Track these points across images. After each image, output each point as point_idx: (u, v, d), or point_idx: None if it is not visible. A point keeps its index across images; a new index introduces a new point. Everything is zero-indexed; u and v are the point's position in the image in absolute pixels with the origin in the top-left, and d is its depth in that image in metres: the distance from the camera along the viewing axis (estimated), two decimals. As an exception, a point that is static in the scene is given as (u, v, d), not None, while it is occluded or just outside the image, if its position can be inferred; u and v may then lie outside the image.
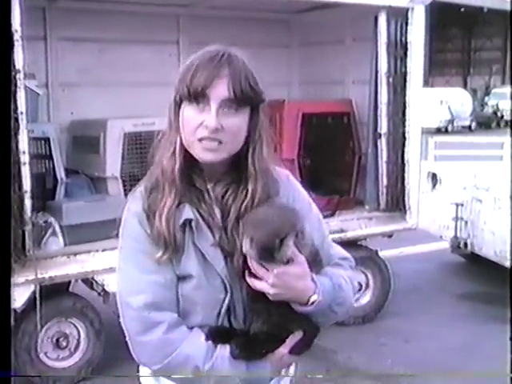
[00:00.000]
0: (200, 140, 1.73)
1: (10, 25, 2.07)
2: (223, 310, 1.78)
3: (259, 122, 1.80)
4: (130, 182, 5.48)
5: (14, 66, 4.14)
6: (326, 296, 1.78)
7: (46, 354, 4.90)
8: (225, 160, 1.79)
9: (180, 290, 1.77)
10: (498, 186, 6.93)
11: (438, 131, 26.35)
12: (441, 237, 7.78)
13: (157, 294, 1.74)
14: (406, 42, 5.94)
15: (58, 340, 4.94)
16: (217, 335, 1.77)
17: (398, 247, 7.36)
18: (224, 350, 1.75)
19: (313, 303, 1.75)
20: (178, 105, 1.75)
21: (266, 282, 1.71)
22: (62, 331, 4.96)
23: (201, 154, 1.75)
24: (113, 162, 5.51)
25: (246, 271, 1.74)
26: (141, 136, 5.56)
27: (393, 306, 6.49)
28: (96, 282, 4.92)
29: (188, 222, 1.75)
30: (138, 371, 1.95)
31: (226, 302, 1.77)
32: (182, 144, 1.76)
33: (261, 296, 1.74)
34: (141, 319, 1.74)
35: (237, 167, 1.81)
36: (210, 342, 1.76)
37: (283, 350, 1.78)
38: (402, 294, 6.76)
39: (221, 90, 1.70)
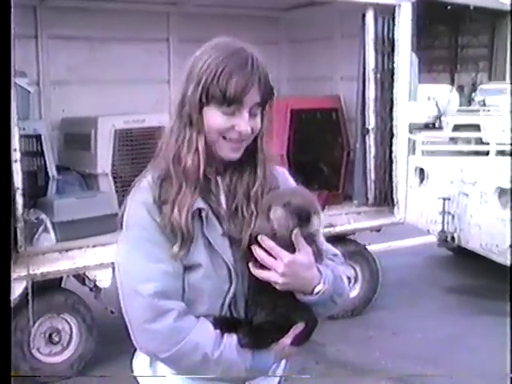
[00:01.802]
0: (227, 140, 1.78)
1: (9, 25, 2.08)
2: (227, 301, 1.80)
3: (267, 112, 1.84)
4: (120, 178, 5.51)
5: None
6: (330, 286, 1.81)
7: (38, 349, 4.93)
8: None
9: (187, 280, 1.78)
10: (484, 181, 7.01)
11: (426, 127, 26.44)
12: (428, 231, 7.85)
13: (166, 283, 1.74)
14: (393, 39, 5.99)
15: (50, 335, 4.98)
16: (223, 325, 1.78)
17: (386, 241, 7.42)
18: (231, 339, 1.77)
19: (317, 293, 1.79)
20: (202, 105, 1.75)
21: (275, 271, 1.74)
22: (55, 327, 5.00)
23: (227, 153, 1.80)
24: (104, 159, 5.53)
25: (251, 263, 1.77)
26: (131, 133, 5.60)
27: (381, 299, 6.56)
28: (88, 277, 4.96)
29: (198, 211, 1.77)
30: (131, 364, 1.96)
31: (231, 292, 1.80)
32: (204, 143, 1.78)
33: (265, 287, 1.77)
34: (151, 307, 1.73)
35: (246, 159, 1.85)
36: (217, 330, 1.77)
37: (286, 340, 1.82)
38: (390, 287, 6.84)
39: (253, 96, 1.74)
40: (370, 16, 5.89)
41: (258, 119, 1.79)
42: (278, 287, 1.76)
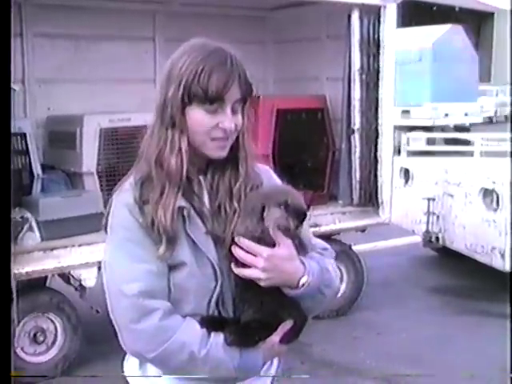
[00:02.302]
0: (213, 139, 1.78)
1: (9, 25, 2.09)
2: (213, 299, 1.80)
3: (248, 108, 1.85)
4: (106, 177, 5.49)
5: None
6: (315, 277, 1.80)
7: (22, 348, 4.91)
8: None
9: (172, 279, 1.78)
10: (468, 182, 7.05)
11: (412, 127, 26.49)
12: (413, 231, 7.87)
13: (151, 283, 1.75)
14: (379, 40, 6.01)
15: (35, 335, 4.96)
16: (210, 324, 1.78)
17: (371, 242, 7.44)
18: (218, 338, 1.76)
19: (303, 285, 1.78)
20: (184, 105, 1.76)
21: (256, 267, 1.75)
22: (39, 326, 4.97)
23: (213, 152, 1.81)
24: (89, 158, 5.50)
25: (233, 263, 1.78)
26: (117, 132, 5.58)
27: (366, 299, 6.58)
28: (73, 276, 4.95)
29: (180, 210, 1.77)
30: (122, 366, 1.95)
31: (217, 290, 1.79)
32: (187, 144, 1.78)
33: (251, 285, 1.77)
34: (136, 307, 1.73)
35: (227, 157, 1.85)
36: (204, 329, 1.77)
37: (275, 338, 1.81)
38: (375, 287, 6.86)
39: (234, 93, 1.75)
40: (355, 17, 5.91)
41: (240, 116, 1.81)
42: (261, 283, 1.76)
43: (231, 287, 1.82)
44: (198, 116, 1.76)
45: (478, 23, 44.02)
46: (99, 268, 4.91)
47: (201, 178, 1.87)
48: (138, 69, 6.52)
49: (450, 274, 7.81)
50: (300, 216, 1.77)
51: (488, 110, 32.89)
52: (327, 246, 2.02)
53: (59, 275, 5.17)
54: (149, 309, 1.73)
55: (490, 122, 30.95)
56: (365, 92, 6.10)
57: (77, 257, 4.87)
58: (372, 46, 6.04)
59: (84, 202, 5.23)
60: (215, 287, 1.79)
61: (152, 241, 1.76)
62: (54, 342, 5.03)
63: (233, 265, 1.78)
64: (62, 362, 5.02)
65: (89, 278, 4.87)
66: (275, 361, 1.96)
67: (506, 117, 33.45)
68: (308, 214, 1.79)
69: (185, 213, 1.78)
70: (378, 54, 6.04)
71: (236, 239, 1.77)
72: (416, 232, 7.80)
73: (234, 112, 1.78)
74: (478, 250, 6.83)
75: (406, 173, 8.01)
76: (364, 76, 6.07)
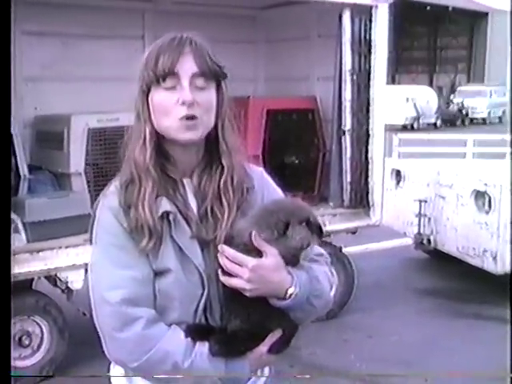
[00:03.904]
0: (179, 119, 1.73)
1: (9, 24, 2.07)
2: (200, 307, 1.76)
3: (225, 97, 1.81)
4: (94, 178, 5.44)
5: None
6: (303, 288, 1.76)
7: (7, 352, 4.84)
8: (200, 142, 1.80)
9: (157, 286, 1.74)
10: (460, 184, 7.01)
11: (404, 128, 26.56)
12: (404, 233, 7.84)
13: (134, 290, 1.71)
14: (370, 40, 5.97)
15: (20, 338, 4.88)
16: (195, 332, 1.74)
17: (361, 244, 7.39)
18: (203, 347, 1.73)
19: (290, 296, 1.74)
20: (145, 93, 1.76)
21: (242, 278, 1.70)
22: (25, 329, 4.90)
23: (181, 134, 1.74)
24: (77, 158, 5.45)
25: (219, 270, 1.73)
26: (105, 132, 5.51)
27: (356, 301, 6.54)
28: (59, 279, 4.89)
29: (166, 214, 1.74)
30: (108, 371, 1.91)
31: (204, 297, 1.75)
32: (151, 132, 1.76)
33: (238, 294, 1.72)
34: (118, 315, 1.70)
35: (210, 155, 1.83)
36: (189, 338, 1.73)
37: (262, 348, 1.77)
38: (366, 289, 6.81)
39: (188, 66, 1.72)
40: (346, 16, 5.86)
41: (209, 94, 1.76)
42: (247, 294, 1.71)
43: (219, 294, 1.77)
44: (157, 97, 1.73)
45: (472, 23, 44.11)
46: (86, 270, 4.86)
47: (185, 180, 1.82)
48: (126, 68, 6.43)
49: (441, 276, 7.77)
50: (321, 233, 1.75)
51: (481, 111, 33.06)
52: (322, 251, 1.96)
53: (45, 277, 5.09)
54: (132, 317, 1.70)
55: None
56: (356, 93, 6.06)
57: (63, 259, 4.81)
58: (363, 47, 6.00)
59: (71, 203, 5.17)
60: (202, 294, 1.75)
61: (137, 246, 1.72)
62: (39, 346, 4.96)
63: (220, 272, 1.74)
64: (49, 366, 4.95)
65: (76, 281, 4.81)
66: (266, 368, 1.91)
67: (499, 118, 33.61)
68: None
69: (170, 217, 1.74)
70: (370, 54, 6.00)
71: (220, 248, 1.73)
72: (407, 234, 7.76)
73: (196, 87, 1.73)
74: (470, 252, 6.79)
75: (398, 174, 7.97)
76: (355, 76, 6.03)
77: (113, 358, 1.79)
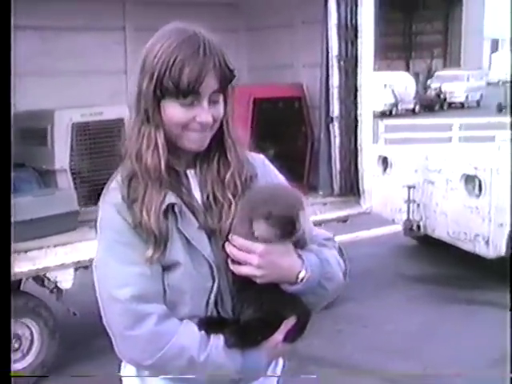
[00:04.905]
0: (190, 131, 1.70)
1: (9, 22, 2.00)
2: (211, 299, 1.71)
3: (231, 96, 1.78)
4: (79, 174, 5.34)
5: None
6: (315, 271, 1.71)
7: (-5, 357, 4.71)
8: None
9: (166, 280, 1.69)
10: (449, 168, 6.96)
11: (383, 115, 26.56)
12: (393, 220, 7.80)
13: (143, 286, 1.66)
14: (357, 25, 5.88)
15: (9, 342, 4.77)
16: (208, 326, 1.69)
17: (352, 232, 7.33)
18: (218, 340, 1.67)
19: (302, 280, 1.69)
20: (158, 99, 1.68)
21: (251, 264, 1.65)
22: (14, 332, 4.75)
23: (191, 144, 1.72)
24: (61, 154, 5.33)
25: (229, 259, 1.69)
26: (89, 126, 5.41)
27: (349, 291, 6.42)
28: (48, 279, 4.76)
29: (171, 207, 1.69)
30: (119, 371, 1.87)
31: (214, 289, 1.70)
32: (164, 139, 1.70)
33: (248, 283, 1.68)
34: (129, 312, 1.65)
35: (214, 147, 1.78)
36: (202, 332, 1.68)
37: (278, 337, 1.71)
38: (358, 278, 6.73)
39: (210, 84, 1.67)
40: (332, 1, 5.77)
41: (220, 106, 1.72)
42: (257, 281, 1.67)
43: (229, 285, 1.73)
44: (172, 110, 1.68)
45: (446, 8, 44.29)
46: (76, 269, 4.75)
47: (188, 171, 1.78)
48: (108, 60, 6.32)
49: (431, 262, 7.74)
50: (286, 228, 1.64)
51: (459, 96, 33.24)
52: (329, 235, 1.91)
53: (32, 278, 4.96)
54: (143, 314, 1.65)
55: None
56: (343, 79, 6.01)
57: (52, 258, 4.70)
58: (350, 32, 5.93)
59: (58, 200, 5.06)
60: (212, 286, 1.70)
61: (143, 241, 1.67)
62: (29, 349, 4.83)
63: (229, 262, 1.69)
64: (40, 369, 4.83)
65: (65, 280, 4.70)
66: (280, 361, 1.88)
67: (477, 102, 33.78)
68: (301, 214, 1.65)
69: (176, 209, 1.69)
70: (356, 39, 5.91)
71: (229, 237, 1.69)
72: (396, 221, 7.73)
73: (212, 103, 1.69)
74: (461, 237, 6.75)
75: (385, 161, 7.91)
76: (342, 62, 5.98)
77: (125, 358, 1.74)
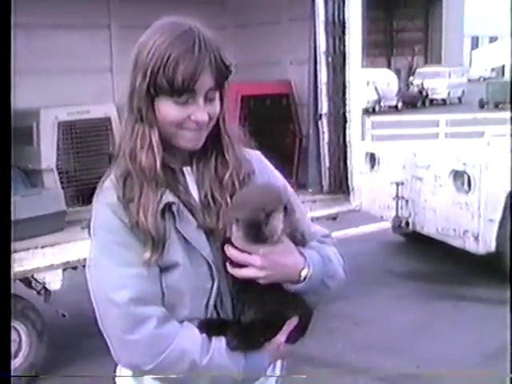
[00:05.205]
0: (185, 129, 1.66)
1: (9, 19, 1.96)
2: (211, 301, 1.66)
3: (227, 92, 1.73)
4: (66, 173, 5.27)
5: None
6: (317, 269, 1.68)
7: (-17, 360, 4.63)
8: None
9: (164, 282, 1.64)
10: (438, 164, 6.94)
11: (366, 112, 26.56)
12: (381, 217, 7.75)
13: (142, 288, 1.61)
14: (344, 21, 5.84)
15: (-4, 345, 4.67)
16: (209, 328, 1.65)
17: (341, 229, 7.30)
18: (220, 343, 1.63)
19: (305, 279, 1.65)
20: (151, 97, 1.63)
21: (253, 266, 1.61)
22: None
23: (187, 143, 1.68)
24: (47, 153, 5.25)
25: (228, 262, 1.64)
26: (75, 125, 5.34)
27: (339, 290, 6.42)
28: (36, 280, 4.68)
29: (168, 206, 1.64)
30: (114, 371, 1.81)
31: (214, 290, 1.66)
32: (158, 138, 1.65)
33: (249, 284, 1.63)
34: (128, 316, 1.59)
35: (210, 144, 1.73)
36: (204, 335, 1.64)
37: (280, 338, 1.68)
38: (348, 276, 6.69)
39: (206, 82, 1.62)
40: (320, -2, 5.73)
41: (216, 103, 1.68)
42: (261, 281, 1.62)
43: (229, 286, 1.68)
44: (166, 109, 1.63)
45: (427, 6, 44.45)
46: (64, 270, 4.68)
47: (185, 169, 1.74)
48: (93, 58, 6.23)
49: (419, 259, 7.72)
50: (250, 231, 1.58)
51: (441, 92, 33.34)
52: (327, 232, 1.90)
53: (19, 279, 4.88)
54: (142, 317, 1.60)
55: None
56: (331, 75, 5.97)
57: (40, 259, 4.63)
58: (337, 28, 5.89)
59: (44, 200, 4.98)
60: (212, 287, 1.66)
61: (140, 242, 1.62)
62: (17, 352, 4.74)
63: (228, 265, 1.64)
64: (29, 371, 4.75)
65: (54, 281, 4.62)
66: (278, 362, 1.84)
67: (459, 98, 33.91)
68: (274, 213, 1.60)
69: (174, 208, 1.64)
70: (344, 35, 5.87)
71: (232, 240, 1.63)
72: (384, 218, 7.68)
73: (208, 100, 1.64)
74: (450, 233, 6.74)
75: (372, 157, 7.88)
76: (330, 59, 5.93)
77: (124, 363, 1.68)
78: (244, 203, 1.61)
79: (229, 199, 1.70)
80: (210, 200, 1.70)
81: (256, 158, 1.87)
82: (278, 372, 1.84)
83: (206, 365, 1.60)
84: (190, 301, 1.65)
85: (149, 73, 1.59)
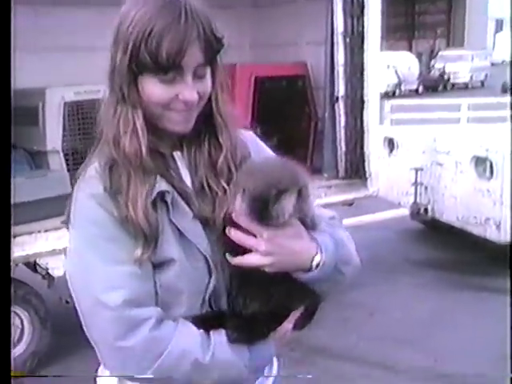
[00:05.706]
0: (173, 110, 1.50)
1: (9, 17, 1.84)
2: (207, 296, 1.53)
3: (219, 68, 1.56)
4: (72, 155, 5.10)
5: None
6: (331, 254, 1.53)
7: (-16, 347, 4.52)
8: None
9: (159, 280, 1.49)
10: (459, 150, 6.72)
11: (386, 95, 26.28)
12: (399, 203, 7.59)
13: (135, 288, 1.45)
14: (363, 0, 5.64)
15: (-2, 331, 4.56)
16: (205, 323, 1.52)
17: (357, 216, 7.12)
18: (220, 336, 1.50)
19: (317, 266, 1.51)
20: (134, 74, 1.46)
21: (257, 252, 1.47)
22: (3, 320, 4.58)
23: (175, 125, 1.52)
24: (53, 135, 5.08)
25: (228, 253, 1.51)
26: (83, 105, 5.16)
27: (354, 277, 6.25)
28: (39, 265, 4.56)
29: (161, 195, 1.48)
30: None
31: (211, 286, 1.52)
32: (143, 121, 1.49)
33: (251, 275, 1.50)
34: (121, 320, 1.44)
35: (202, 126, 1.58)
36: (201, 330, 1.50)
37: (287, 325, 1.56)
38: (364, 264, 6.50)
39: (194, 57, 1.45)
40: (338, -25, 5.52)
41: (207, 80, 1.52)
42: (267, 269, 1.48)
43: (225, 280, 1.55)
44: (151, 88, 1.47)
45: (450, -13, 43.93)
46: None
47: (175, 154, 1.59)
48: (103, 36, 6.04)
49: (439, 247, 7.52)
50: (256, 207, 1.43)
51: (463, 76, 32.96)
52: (333, 213, 1.73)
53: (25, 264, 4.76)
54: (137, 320, 1.45)
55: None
56: (349, 57, 5.77)
57: (43, 244, 4.50)
58: (356, 7, 5.68)
59: (50, 182, 4.84)
60: (209, 283, 1.52)
61: (130, 237, 1.46)
62: (20, 339, 4.67)
63: (228, 256, 1.51)
64: (31, 359, 4.67)
65: (57, 267, 4.51)
66: (275, 360, 1.73)
67: (481, 82, 33.47)
68: (285, 193, 1.44)
69: (167, 198, 1.49)
70: (363, 15, 5.66)
71: (233, 216, 1.49)
72: (402, 204, 7.52)
73: (197, 77, 1.49)
74: (471, 221, 6.54)
75: (391, 142, 7.68)
76: (348, 39, 5.72)
77: (117, 372, 1.51)
78: (256, 173, 1.48)
79: (225, 185, 1.56)
80: (206, 187, 1.56)
81: (251, 139, 1.72)
82: (274, 372, 1.72)
83: (209, 362, 1.47)
84: (187, 299, 1.51)
85: (130, 47, 1.43)
